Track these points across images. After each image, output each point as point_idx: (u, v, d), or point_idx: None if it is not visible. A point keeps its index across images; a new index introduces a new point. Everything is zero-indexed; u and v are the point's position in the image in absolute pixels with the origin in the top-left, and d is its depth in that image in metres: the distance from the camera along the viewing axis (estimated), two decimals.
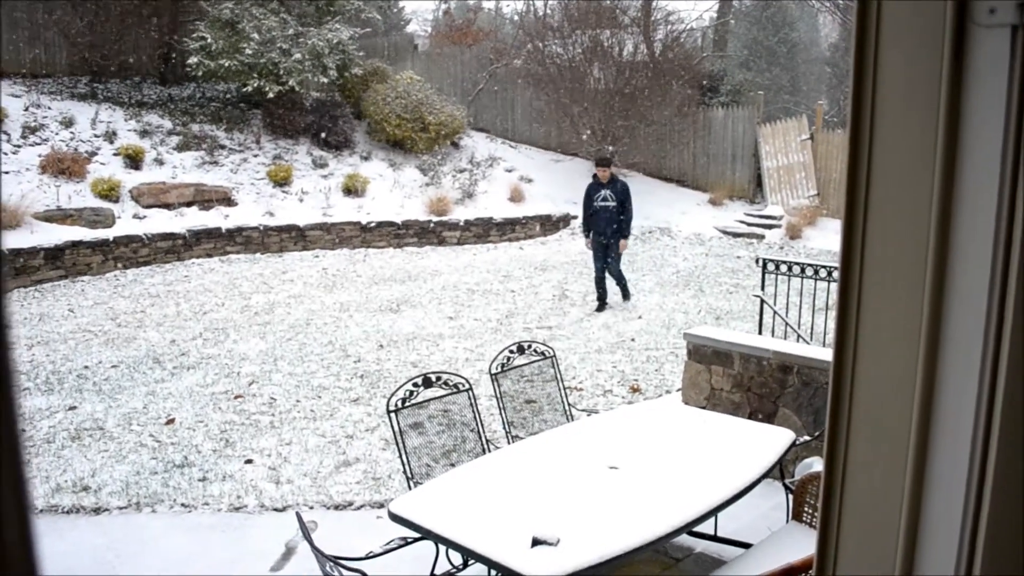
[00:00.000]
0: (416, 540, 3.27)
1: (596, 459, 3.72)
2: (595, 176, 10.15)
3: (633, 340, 8.97)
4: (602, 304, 10.39)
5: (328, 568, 2.69)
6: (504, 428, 4.79)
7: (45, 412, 6.77)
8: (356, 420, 6.63)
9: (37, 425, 6.50)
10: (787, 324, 7.31)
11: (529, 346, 5.01)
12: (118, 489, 5.35)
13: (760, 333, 7.31)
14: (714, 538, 4.23)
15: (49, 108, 14.68)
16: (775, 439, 3.94)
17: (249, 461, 5.82)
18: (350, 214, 14.91)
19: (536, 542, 2.84)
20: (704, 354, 5.58)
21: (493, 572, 2.95)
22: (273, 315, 10.14)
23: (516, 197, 16.63)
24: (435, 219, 15.27)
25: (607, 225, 9.97)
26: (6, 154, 13.16)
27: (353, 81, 17.33)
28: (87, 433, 6.34)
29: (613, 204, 9.91)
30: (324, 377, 7.75)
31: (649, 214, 17.24)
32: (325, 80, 16.01)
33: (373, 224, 14.80)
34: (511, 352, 4.90)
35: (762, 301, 7.29)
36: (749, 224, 16.68)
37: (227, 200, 14.37)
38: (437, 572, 3.40)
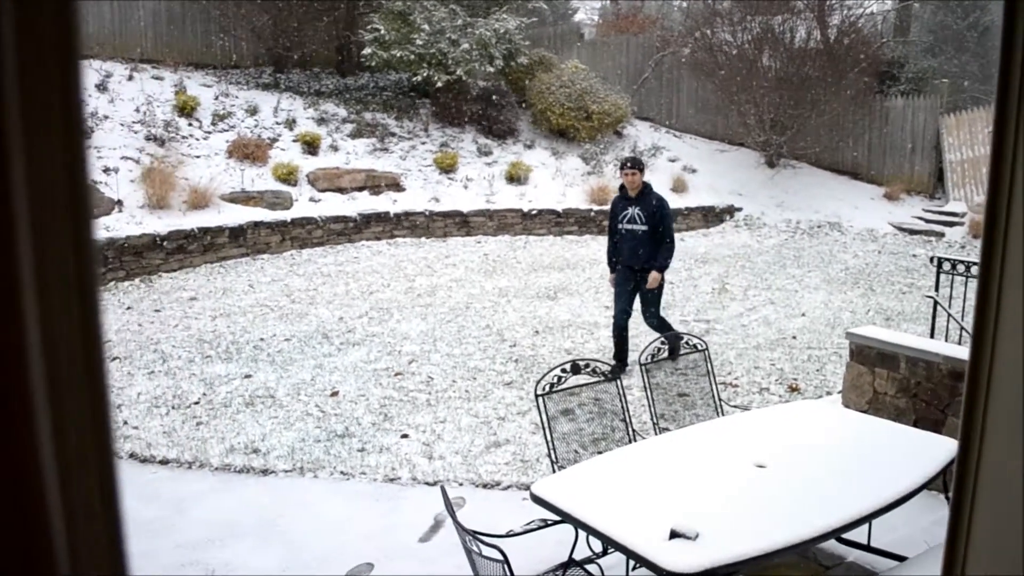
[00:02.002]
0: (556, 523, 3.32)
1: (744, 456, 3.64)
2: (621, 188, 7.29)
3: (794, 338, 8.67)
4: (621, 364, 7.33)
5: (468, 542, 2.78)
6: (652, 420, 4.76)
7: (224, 379, 7.30)
8: (508, 403, 6.76)
9: (216, 390, 7.02)
10: (962, 328, 6.85)
11: (680, 338, 4.95)
12: (284, 453, 5.72)
13: (932, 337, 6.90)
14: (867, 548, 4.05)
15: (236, 97, 15.72)
16: (939, 449, 3.73)
17: (405, 436, 6.07)
18: (512, 201, 15.16)
19: (674, 534, 2.83)
20: (868, 355, 5.32)
21: (631, 562, 2.96)
22: (435, 297, 10.47)
23: (679, 187, 16.37)
24: (595, 208, 15.27)
25: (634, 255, 7.13)
26: (198, 139, 14.21)
27: (519, 70, 17.56)
28: (259, 400, 6.79)
29: (643, 228, 7.02)
30: (480, 360, 7.94)
31: (819, 208, 16.56)
32: (491, 69, 16.32)
33: (534, 212, 14.98)
34: (661, 344, 4.86)
35: (935, 303, 6.86)
36: (927, 221, 15.71)
37: (396, 186, 14.93)
38: (576, 557, 3.44)
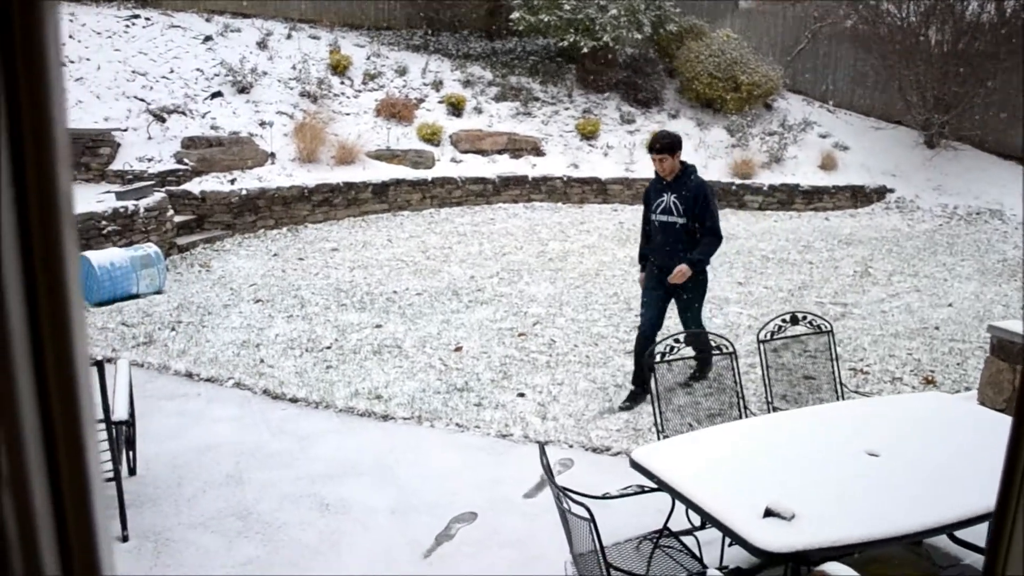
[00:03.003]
0: (653, 490, 3.34)
1: (856, 443, 3.53)
2: (657, 174, 5.97)
3: (937, 328, 8.23)
4: (641, 389, 5.96)
5: (559, 499, 2.84)
6: (767, 399, 4.67)
7: (356, 327, 7.63)
8: (627, 371, 6.76)
9: (348, 337, 7.36)
10: None
11: (804, 318, 4.81)
12: (405, 402, 5.95)
13: None
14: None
15: (387, 58, 16.15)
16: None
17: (521, 395, 6.19)
18: (652, 171, 14.90)
19: (769, 513, 2.80)
20: (1011, 351, 5.02)
21: (727, 538, 2.95)
22: (566, 263, 10.53)
23: (828, 164, 15.70)
24: (738, 182, 14.88)
25: (667, 252, 5.84)
26: (348, 97, 14.72)
27: (667, 38, 17.20)
28: (387, 349, 7.07)
29: (680, 220, 5.74)
30: (604, 327, 7.95)
31: (979, 193, 15.53)
32: (639, 36, 16.05)
33: None
34: (783, 321, 4.74)
35: None
36: None
37: (536, 150, 15.01)
38: (673, 527, 3.45)
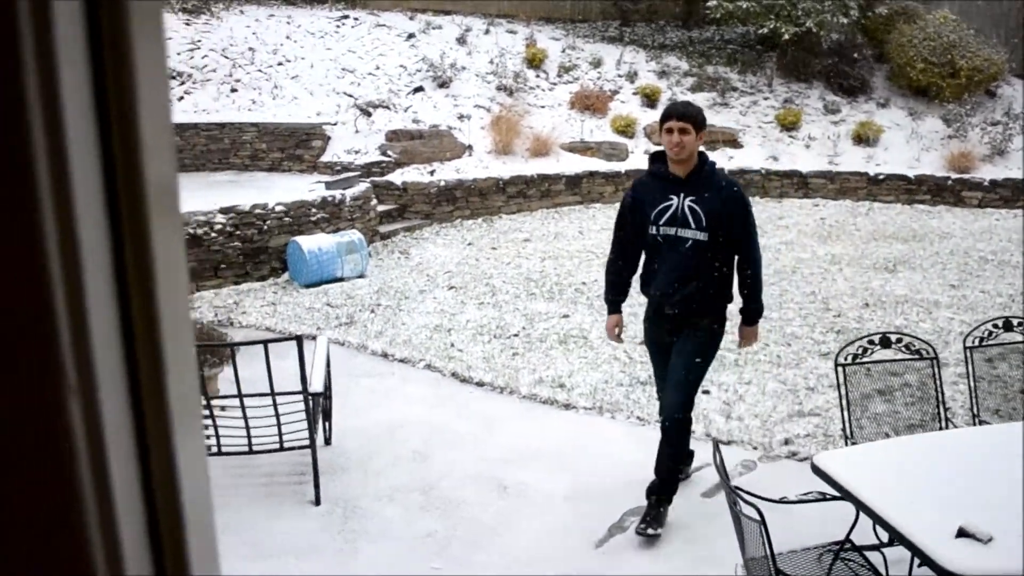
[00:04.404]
0: (834, 499, 3.18)
1: None
2: (654, 161, 4.14)
3: None
4: (683, 457, 4.52)
5: (731, 500, 2.77)
6: (972, 411, 4.32)
7: (543, 316, 7.75)
8: (821, 374, 6.46)
9: (535, 326, 7.49)
10: None
11: (1021, 324, 4.41)
12: (587, 392, 5.99)
13: None
14: None
15: (582, 50, 16.23)
16: None
17: (706, 392, 6.06)
18: (857, 164, 14.17)
19: (962, 533, 2.60)
20: None
21: (915, 558, 2.77)
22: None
23: None
24: (954, 176, 13.78)
25: (677, 287, 4.04)
26: (543, 90, 14.93)
27: (876, 22, 16.17)
28: (572, 339, 7.14)
29: (700, 236, 3.96)
30: (799, 326, 7.64)
31: None
32: (845, 21, 15.19)
33: (882, 176, 13.88)
34: (994, 327, 4.37)
35: None
36: None
37: (733, 142, 14.61)
38: (857, 540, 3.28)
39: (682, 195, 3.96)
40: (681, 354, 4.14)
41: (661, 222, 3.99)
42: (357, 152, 12.37)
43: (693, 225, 3.93)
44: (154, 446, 0.51)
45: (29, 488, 0.46)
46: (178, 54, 13.76)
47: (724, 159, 14.17)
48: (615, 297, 4.39)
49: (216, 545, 0.59)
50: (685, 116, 3.89)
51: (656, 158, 4.11)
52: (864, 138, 14.52)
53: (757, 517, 2.53)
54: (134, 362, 0.50)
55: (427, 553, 3.97)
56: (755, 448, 5.16)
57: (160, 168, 0.50)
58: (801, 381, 6.31)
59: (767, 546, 2.55)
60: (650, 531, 4.03)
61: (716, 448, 2.93)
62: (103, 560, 0.47)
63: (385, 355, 6.76)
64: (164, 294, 0.50)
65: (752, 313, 4.34)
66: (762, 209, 13.20)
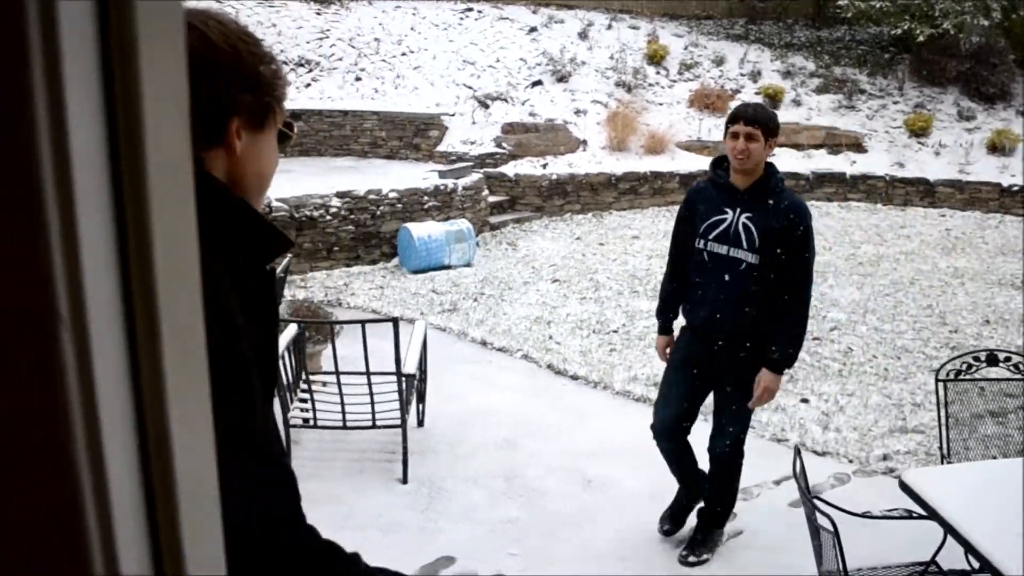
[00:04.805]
0: (920, 517, 3.07)
1: None
2: (716, 166, 3.72)
3: None
4: (688, 502, 4.12)
5: (807, 508, 2.73)
6: None
7: (644, 314, 7.72)
8: (930, 390, 6.19)
9: (635, 323, 7.48)
10: None
11: None
12: None
13: None
14: None
15: (705, 48, 15.98)
16: None
17: (805, 400, 5.93)
18: (990, 174, 13.45)
19: None
20: None
21: None
22: (877, 268, 9.84)
23: None
24: None
25: (721, 311, 3.60)
26: (663, 87, 14.78)
27: (1021, 24, 15.28)
28: None
29: (751, 258, 3.49)
30: (911, 340, 7.36)
31: None
32: (986, 23, 14.42)
33: (1016, 187, 13.14)
34: None
35: None
36: None
37: (857, 146, 14.12)
38: (944, 564, 3.16)
39: (739, 210, 3.50)
40: (730, 393, 3.71)
41: (711, 236, 3.55)
42: (472, 143, 12.57)
43: (746, 245, 3.46)
44: (154, 448, 0.51)
45: (29, 488, 0.45)
46: (307, 43, 14.30)
47: (847, 164, 13.73)
48: (667, 317, 3.99)
49: (221, 547, 0.58)
50: (755, 120, 3.43)
51: (718, 163, 3.69)
52: (999, 147, 13.77)
53: (830, 527, 2.48)
54: (136, 361, 0.49)
55: (506, 539, 4.05)
56: (850, 461, 5.01)
57: (170, 177, 0.50)
58: (908, 396, 6.08)
59: (840, 559, 2.50)
60: (692, 558, 3.86)
61: (797, 454, 2.88)
62: (102, 563, 0.47)
63: (484, 343, 6.88)
64: (166, 297, 0.50)
65: (783, 360, 3.57)
66: (884, 217, 12.74)
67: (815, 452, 5.12)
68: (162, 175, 0.49)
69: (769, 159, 3.56)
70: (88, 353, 0.45)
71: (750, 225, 3.45)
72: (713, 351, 3.67)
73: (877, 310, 8.18)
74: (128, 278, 0.48)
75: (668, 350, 3.96)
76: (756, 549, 4.04)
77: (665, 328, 4.00)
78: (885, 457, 5.07)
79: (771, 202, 3.48)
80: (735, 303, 3.53)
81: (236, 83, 1.12)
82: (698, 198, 3.69)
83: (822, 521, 2.58)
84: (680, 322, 3.91)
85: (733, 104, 14.24)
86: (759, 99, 14.61)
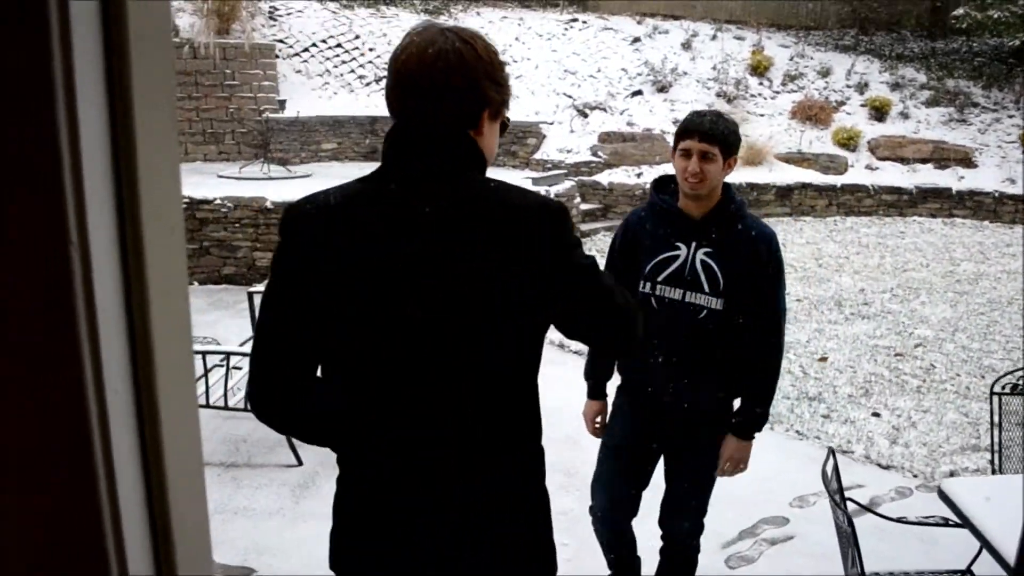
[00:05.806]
0: (955, 525, 3.13)
1: None
2: (657, 187, 2.97)
3: None
4: None
5: (835, 510, 2.83)
6: None
7: None
8: (1011, 411, 6.09)
9: None
10: None
11: None
12: None
13: None
14: None
15: (811, 58, 15.75)
16: None
17: (876, 414, 5.90)
18: None
19: None
20: None
21: None
22: (975, 286, 9.58)
23: None
24: None
25: (674, 372, 2.81)
26: (765, 98, 14.66)
27: None
28: None
29: (713, 303, 2.73)
30: (999, 359, 7.19)
31: None
32: None
33: None
34: None
35: None
36: None
37: (966, 161, 13.68)
38: (979, 574, 3.21)
39: (694, 244, 2.77)
40: (685, 476, 3.02)
41: (660, 278, 2.79)
42: (569, 151, 12.80)
43: (707, 287, 2.74)
44: (153, 452, 0.57)
45: (48, 486, 0.49)
46: None
47: (953, 179, 13.32)
48: (597, 377, 3.16)
49: (209, 541, 0.65)
50: (711, 136, 2.70)
51: (662, 185, 2.96)
52: None
53: (847, 527, 2.59)
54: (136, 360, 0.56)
55: (559, 528, 4.15)
56: (915, 476, 4.99)
57: (160, 181, 0.58)
58: (985, 416, 5.96)
59: (858, 560, 2.61)
60: None
61: (831, 454, 2.98)
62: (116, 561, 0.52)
63: (561, 345, 7.09)
64: (156, 299, 0.57)
65: (752, 422, 2.87)
66: (989, 234, 12.33)
67: (879, 465, 5.13)
68: (148, 147, 0.58)
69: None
70: (98, 351, 0.53)
71: (710, 262, 2.74)
72: (655, 418, 2.97)
73: (968, 328, 7.99)
74: (122, 210, 0.57)
75: (598, 420, 3.22)
76: (806, 556, 4.11)
77: (596, 392, 3.19)
78: (952, 474, 5.03)
79: (734, 232, 2.77)
80: (693, 361, 2.80)
81: (491, 83, 1.60)
82: (638, 229, 2.89)
83: (840, 520, 2.69)
84: (616, 380, 3.16)
85: (836, 116, 14.06)
86: (864, 111, 14.34)
